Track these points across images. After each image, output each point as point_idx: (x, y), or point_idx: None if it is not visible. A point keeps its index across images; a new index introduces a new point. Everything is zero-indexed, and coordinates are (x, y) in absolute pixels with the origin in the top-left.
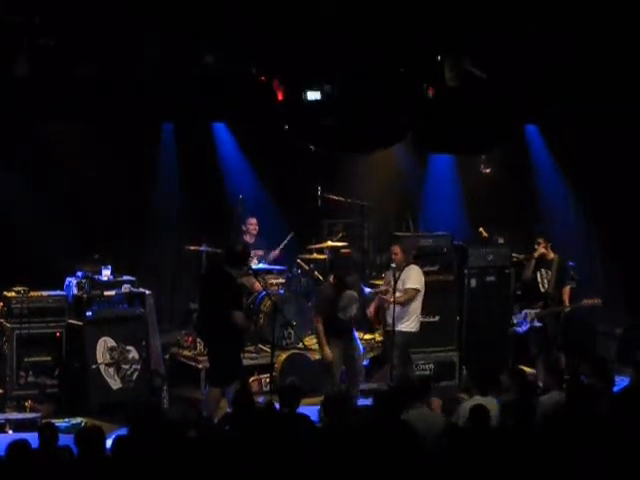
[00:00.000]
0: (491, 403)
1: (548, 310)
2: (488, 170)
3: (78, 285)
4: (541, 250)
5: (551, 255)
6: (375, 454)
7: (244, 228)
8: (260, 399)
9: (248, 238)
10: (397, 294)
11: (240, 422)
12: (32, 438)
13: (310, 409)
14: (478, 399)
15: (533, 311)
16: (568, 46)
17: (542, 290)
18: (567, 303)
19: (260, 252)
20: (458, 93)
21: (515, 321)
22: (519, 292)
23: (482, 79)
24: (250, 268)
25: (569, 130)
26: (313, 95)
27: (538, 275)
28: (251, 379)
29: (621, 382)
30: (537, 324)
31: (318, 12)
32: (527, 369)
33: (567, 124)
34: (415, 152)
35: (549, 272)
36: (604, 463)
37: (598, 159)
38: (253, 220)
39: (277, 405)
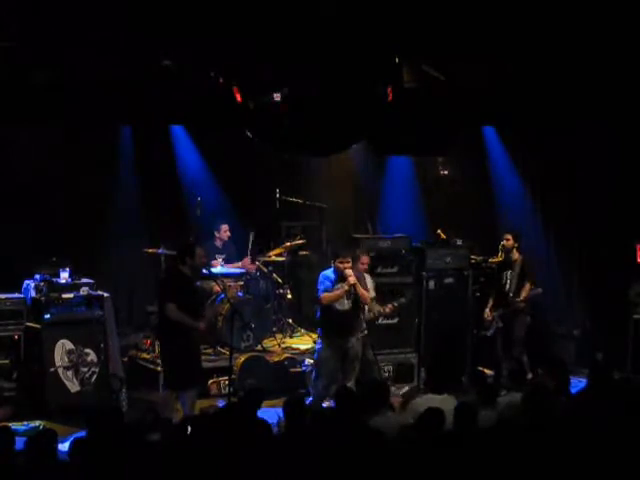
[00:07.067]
0: (447, 401)
1: (508, 310)
2: (446, 172)
3: (36, 288)
4: (508, 245)
5: (516, 256)
6: (339, 459)
7: (217, 234)
8: (220, 403)
9: (218, 243)
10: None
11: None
12: None
13: (268, 411)
14: (432, 397)
15: (496, 313)
16: (526, 46)
17: (506, 291)
18: (522, 297)
19: (224, 256)
20: (415, 94)
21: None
22: (478, 294)
23: (439, 80)
24: (208, 270)
25: (526, 131)
26: (271, 97)
27: (504, 276)
28: (210, 381)
29: (578, 384)
30: (500, 325)
31: (274, 14)
32: (487, 371)
33: (524, 125)
34: (373, 154)
35: (513, 273)
36: (559, 464)
37: (555, 159)
38: (225, 226)
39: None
